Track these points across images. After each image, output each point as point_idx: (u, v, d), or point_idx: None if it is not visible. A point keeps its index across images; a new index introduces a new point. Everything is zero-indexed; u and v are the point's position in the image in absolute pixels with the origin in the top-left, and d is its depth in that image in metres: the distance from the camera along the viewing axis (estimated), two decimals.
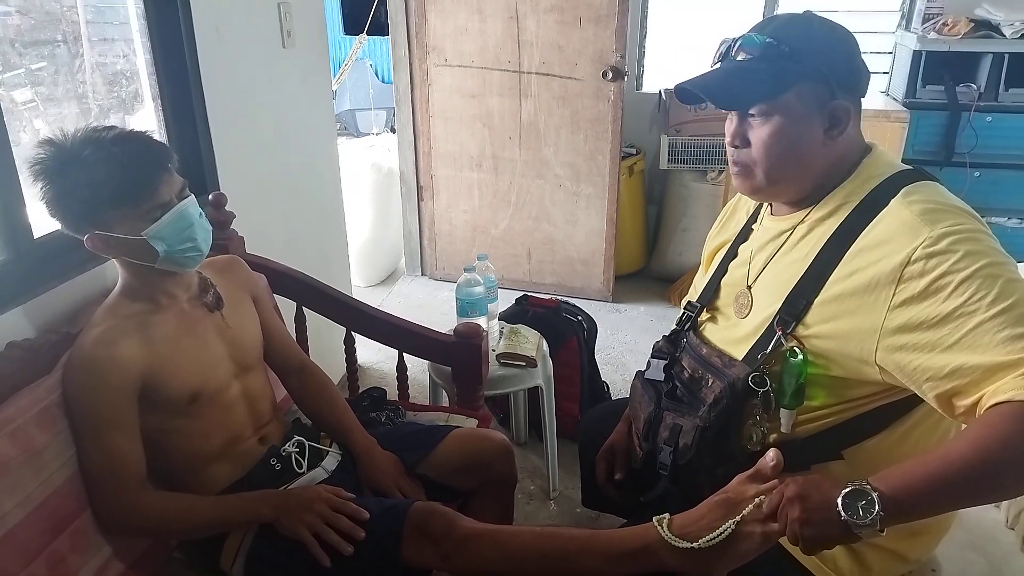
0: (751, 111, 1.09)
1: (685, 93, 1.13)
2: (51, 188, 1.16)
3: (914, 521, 0.90)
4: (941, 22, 3.17)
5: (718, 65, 1.13)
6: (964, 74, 3.17)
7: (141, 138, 1.21)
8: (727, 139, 1.14)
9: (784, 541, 0.95)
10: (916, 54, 3.18)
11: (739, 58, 1.09)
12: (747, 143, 1.11)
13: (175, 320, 1.28)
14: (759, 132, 1.09)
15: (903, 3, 3.48)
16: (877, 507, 0.84)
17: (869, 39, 3.55)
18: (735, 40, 1.10)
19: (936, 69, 3.17)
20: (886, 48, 3.54)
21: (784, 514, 0.90)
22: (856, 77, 1.09)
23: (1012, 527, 1.37)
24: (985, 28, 3.11)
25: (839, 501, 0.86)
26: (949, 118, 3.16)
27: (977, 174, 3.19)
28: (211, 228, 1.30)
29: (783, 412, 1.08)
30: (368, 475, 1.41)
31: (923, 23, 3.22)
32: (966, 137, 3.15)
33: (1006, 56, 3.04)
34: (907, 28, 3.40)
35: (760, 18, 3.33)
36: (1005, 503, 1.42)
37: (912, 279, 0.94)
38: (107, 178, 1.14)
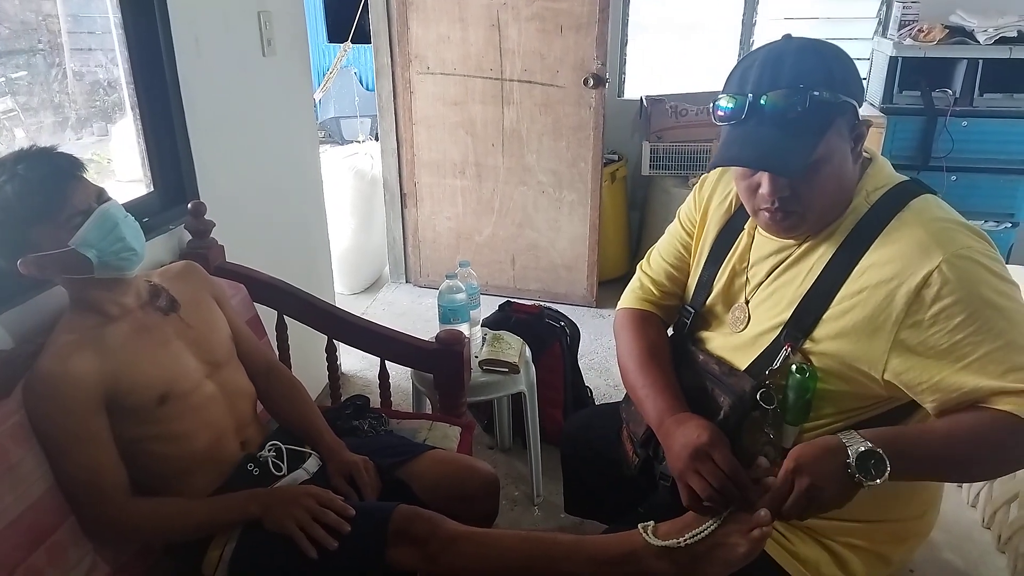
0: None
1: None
2: None
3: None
4: (917, 28, 3.22)
5: (745, 122, 1.03)
6: (940, 80, 3.21)
7: (44, 152, 1.21)
8: (767, 195, 1.04)
9: (769, 545, 0.96)
10: (892, 60, 3.22)
11: (768, 109, 1.01)
12: (795, 195, 1.03)
13: (129, 327, 1.28)
14: (809, 182, 1.02)
15: (879, 10, 3.52)
16: (888, 467, 0.92)
17: (846, 46, 3.53)
18: (754, 96, 1.02)
19: (912, 75, 3.21)
20: (863, 54, 3.58)
21: (789, 484, 0.95)
22: (863, 89, 1.08)
23: (988, 527, 1.39)
24: (960, 34, 3.15)
25: (851, 463, 0.92)
26: (925, 123, 3.20)
27: (954, 178, 3.23)
28: (140, 227, 1.29)
29: (787, 428, 1.07)
30: (335, 469, 1.39)
31: (899, 29, 3.26)
32: (942, 142, 3.19)
33: (980, 62, 3.09)
34: (883, 35, 3.44)
35: (740, 26, 3.41)
36: (980, 503, 1.45)
37: (924, 303, 0.96)
38: (16, 196, 1.14)
